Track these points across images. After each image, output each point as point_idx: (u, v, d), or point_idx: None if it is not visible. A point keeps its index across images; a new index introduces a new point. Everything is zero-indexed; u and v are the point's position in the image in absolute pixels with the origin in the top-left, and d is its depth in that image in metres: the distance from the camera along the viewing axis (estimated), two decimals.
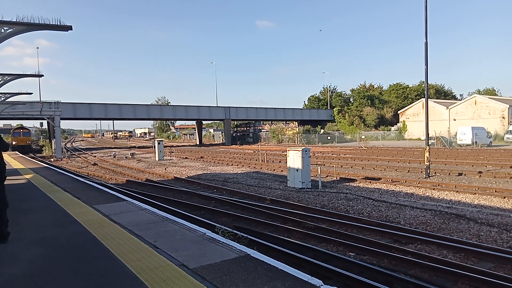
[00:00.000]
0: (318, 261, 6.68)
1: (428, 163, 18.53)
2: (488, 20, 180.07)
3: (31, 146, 54.85)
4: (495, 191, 14.03)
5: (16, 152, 40.57)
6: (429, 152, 18.61)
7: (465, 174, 19.02)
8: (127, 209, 8.01)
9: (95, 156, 40.93)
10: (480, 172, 19.12)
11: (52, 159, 36.48)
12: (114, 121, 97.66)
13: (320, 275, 5.76)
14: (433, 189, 14.97)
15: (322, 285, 3.76)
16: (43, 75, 19.71)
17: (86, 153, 46.98)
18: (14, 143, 50.02)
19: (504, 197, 13.01)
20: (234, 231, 7.76)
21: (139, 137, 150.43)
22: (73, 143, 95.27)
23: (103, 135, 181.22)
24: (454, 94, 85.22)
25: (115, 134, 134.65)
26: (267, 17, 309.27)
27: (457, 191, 14.37)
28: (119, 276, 4.18)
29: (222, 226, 8.14)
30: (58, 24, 9.27)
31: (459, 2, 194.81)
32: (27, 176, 15.11)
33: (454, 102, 64.01)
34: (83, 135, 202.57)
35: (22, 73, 17.97)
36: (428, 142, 19.30)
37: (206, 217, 10.59)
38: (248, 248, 5.16)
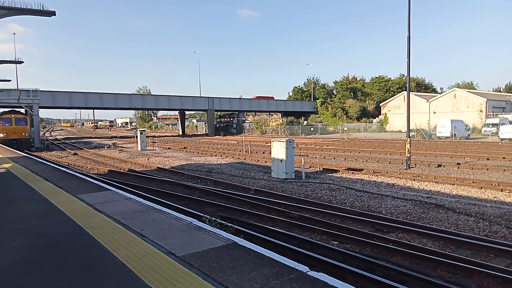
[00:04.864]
0: (303, 249, 6.80)
1: (408, 155, 18.93)
2: (468, 16, 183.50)
3: (30, 140, 37.05)
4: (473, 182, 14.50)
5: None
6: (410, 144, 19.01)
7: (444, 166, 19.52)
8: (111, 198, 7.93)
9: (75, 146, 40.15)
10: (458, 163, 19.65)
11: (31, 149, 35.60)
12: (95, 110, 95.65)
13: (305, 263, 5.85)
14: (414, 180, 15.32)
15: (308, 271, 3.84)
16: (22, 62, 19.22)
17: (66, 143, 46.02)
18: (1, 135, 33.88)
19: (481, 188, 13.44)
20: (221, 221, 7.80)
21: (120, 127, 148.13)
22: (52, 133, 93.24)
23: (83, 125, 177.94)
24: (434, 87, 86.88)
25: (95, 124, 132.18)
26: (248, 5, 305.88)
27: (437, 182, 14.75)
28: (107, 264, 4.17)
29: (209, 216, 8.17)
30: (41, 9, 9.00)
31: None
32: (6, 166, 14.73)
33: (434, 95, 65.26)
34: (62, 124, 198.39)
35: (1, 59, 17.43)
36: (409, 134, 19.70)
37: (191, 207, 10.60)
38: (235, 236, 5.20)
